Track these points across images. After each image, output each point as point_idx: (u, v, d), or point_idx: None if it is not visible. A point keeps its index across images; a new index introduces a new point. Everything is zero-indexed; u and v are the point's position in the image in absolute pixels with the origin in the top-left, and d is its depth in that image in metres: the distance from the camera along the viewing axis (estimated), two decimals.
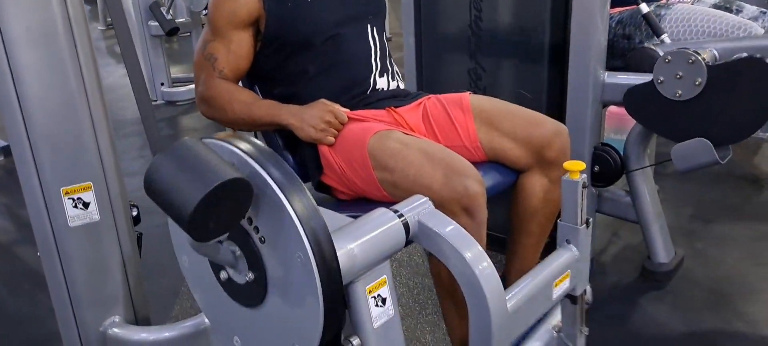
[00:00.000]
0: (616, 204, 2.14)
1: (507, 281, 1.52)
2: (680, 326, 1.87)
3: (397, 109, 1.48)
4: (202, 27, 4.66)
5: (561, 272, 1.14)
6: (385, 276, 1.01)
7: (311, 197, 0.87)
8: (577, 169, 1.12)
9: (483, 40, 2.08)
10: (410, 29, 2.30)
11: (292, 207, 0.84)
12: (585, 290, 1.28)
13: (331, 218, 1.09)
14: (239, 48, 1.44)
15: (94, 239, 1.20)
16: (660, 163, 2.43)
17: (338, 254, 0.90)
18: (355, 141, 1.34)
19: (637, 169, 2.02)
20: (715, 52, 1.90)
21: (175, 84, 4.46)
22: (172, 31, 4.07)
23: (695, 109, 1.78)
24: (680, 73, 1.76)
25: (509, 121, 1.43)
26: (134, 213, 1.30)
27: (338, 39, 1.47)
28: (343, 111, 1.39)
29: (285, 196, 0.84)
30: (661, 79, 1.80)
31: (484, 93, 2.13)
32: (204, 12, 4.20)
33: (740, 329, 1.85)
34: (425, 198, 1.06)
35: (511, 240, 1.55)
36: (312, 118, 1.37)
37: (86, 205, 1.16)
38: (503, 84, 2.11)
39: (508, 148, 1.43)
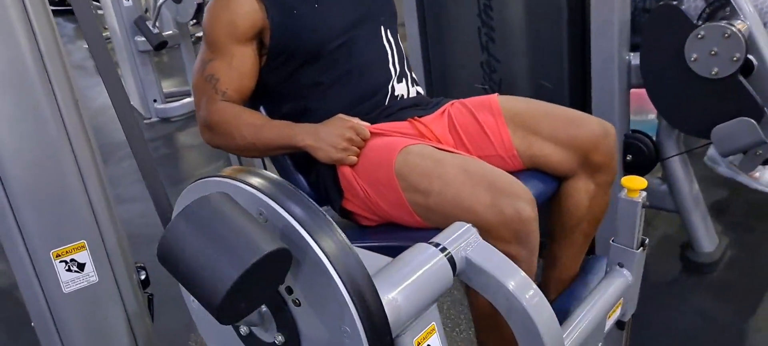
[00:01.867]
0: (650, 193, 1.98)
1: (546, 290, 1.38)
2: (730, 317, 1.74)
3: (421, 119, 1.33)
4: (192, 39, 4.51)
5: (615, 301, 1.02)
6: (433, 323, 0.87)
7: (359, 260, 0.73)
8: (637, 187, 0.99)
9: (495, 30, 1.93)
10: (413, 21, 2.15)
11: (337, 272, 0.71)
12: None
13: (365, 258, 0.94)
14: (242, 65, 1.29)
15: (94, 303, 1.06)
16: (697, 149, 2.28)
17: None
18: (379, 160, 1.20)
19: (673, 156, 1.88)
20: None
21: (168, 99, 4.30)
22: (161, 45, 3.91)
23: (734, 86, 1.64)
24: (715, 50, 1.62)
25: (548, 123, 1.28)
26: (142, 276, 1.15)
27: (351, 44, 1.33)
28: (364, 125, 1.25)
29: (329, 260, 0.71)
30: (694, 56, 1.65)
31: (500, 87, 1.99)
32: (192, 22, 4.03)
33: None
34: (468, 225, 0.91)
35: (552, 247, 1.41)
36: (331, 136, 1.22)
37: (81, 266, 1.02)
38: (520, 76, 1.96)
39: (550, 153, 1.28)
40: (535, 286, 0.85)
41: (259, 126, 1.28)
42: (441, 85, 2.12)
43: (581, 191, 1.29)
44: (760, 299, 1.78)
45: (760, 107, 1.63)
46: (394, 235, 1.20)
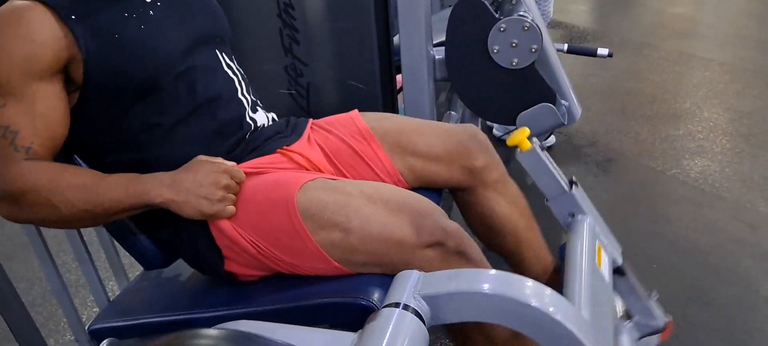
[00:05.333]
0: None
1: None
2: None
3: (291, 148, 1.15)
4: None
5: (592, 247, 0.96)
6: None
7: None
8: (522, 137, 0.96)
9: (298, 31, 1.81)
10: None
11: None
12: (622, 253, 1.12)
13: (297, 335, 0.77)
14: (49, 109, 0.97)
15: None
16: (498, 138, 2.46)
17: None
18: (272, 204, 1.00)
19: None
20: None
21: None
22: None
23: (531, 75, 1.76)
24: (515, 42, 1.71)
25: (422, 140, 1.21)
26: None
27: (192, 74, 1.08)
28: (232, 164, 1.03)
29: None
30: (496, 48, 1.74)
31: (308, 92, 1.88)
32: None
33: None
34: (416, 272, 0.80)
35: (513, 259, 1.29)
36: (201, 185, 0.97)
37: None
38: (329, 78, 1.87)
39: (436, 170, 1.21)
40: (516, 276, 0.76)
41: (92, 186, 0.97)
42: None
43: (494, 200, 1.23)
44: None
45: (553, 92, 1.78)
46: (300, 291, 1.00)
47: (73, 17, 0.98)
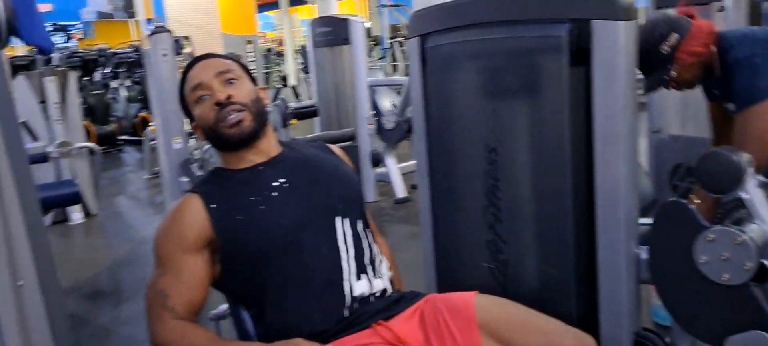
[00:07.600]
0: None
1: None
2: None
3: (388, 323, 1.28)
4: None
5: None
6: None
7: None
8: None
9: (502, 210, 1.91)
10: (426, 191, 2.15)
11: None
12: None
13: None
14: (192, 277, 1.29)
15: None
16: None
17: None
18: None
19: None
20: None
21: None
22: None
23: (745, 296, 1.53)
24: (726, 255, 1.53)
25: (521, 335, 1.23)
26: None
27: (298, 246, 1.30)
28: None
29: None
30: (704, 259, 1.57)
31: (505, 268, 1.93)
32: None
33: None
34: None
35: None
36: None
37: None
38: (525, 258, 1.90)
39: None
40: None
41: None
42: (445, 259, 2.08)
43: None
44: None
45: None
46: None
47: (213, 206, 1.29)
